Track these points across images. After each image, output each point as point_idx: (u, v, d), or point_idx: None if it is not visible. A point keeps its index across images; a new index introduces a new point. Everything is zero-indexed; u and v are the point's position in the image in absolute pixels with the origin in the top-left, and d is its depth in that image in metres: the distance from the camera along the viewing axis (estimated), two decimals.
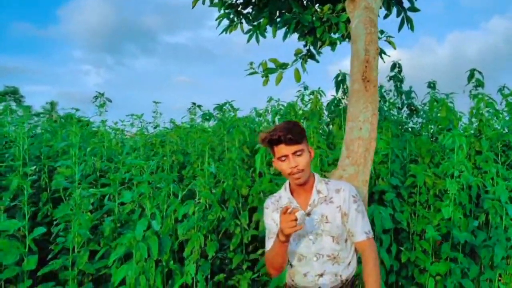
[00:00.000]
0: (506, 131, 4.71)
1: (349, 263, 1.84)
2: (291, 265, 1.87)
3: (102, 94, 4.33)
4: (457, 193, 3.66)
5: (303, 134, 1.77)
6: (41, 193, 3.66)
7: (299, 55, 3.38)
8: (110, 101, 4.33)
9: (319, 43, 3.23)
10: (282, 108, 5.75)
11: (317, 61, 3.44)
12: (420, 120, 5.63)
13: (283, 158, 1.75)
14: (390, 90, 5.30)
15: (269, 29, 3.90)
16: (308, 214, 1.80)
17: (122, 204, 3.42)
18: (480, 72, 4.82)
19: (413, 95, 5.41)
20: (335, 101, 5.43)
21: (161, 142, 4.29)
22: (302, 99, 5.63)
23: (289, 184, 1.90)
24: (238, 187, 3.42)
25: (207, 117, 4.35)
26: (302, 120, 4.75)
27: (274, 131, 1.74)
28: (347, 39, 3.13)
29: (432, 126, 5.20)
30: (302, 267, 1.82)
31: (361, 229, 1.79)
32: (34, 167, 3.81)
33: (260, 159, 3.52)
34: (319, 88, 4.96)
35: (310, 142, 4.00)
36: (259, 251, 3.49)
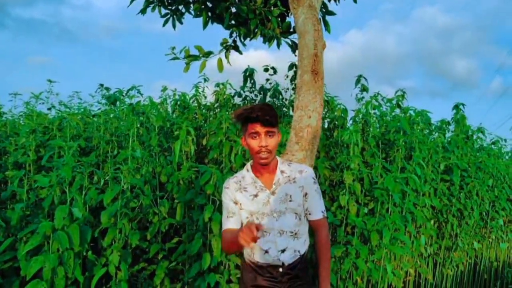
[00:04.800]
0: (379, 131, 5.44)
1: (304, 240, 1.98)
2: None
3: None
4: (352, 183, 4.11)
5: (277, 118, 1.86)
6: None
7: (224, 45, 3.42)
8: None
9: (250, 35, 3.32)
10: (178, 97, 5.70)
11: (240, 53, 3.53)
12: None
13: (254, 135, 1.81)
14: (288, 89, 5.65)
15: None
16: (273, 193, 1.89)
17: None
18: (365, 79, 5.44)
19: None
20: (236, 95, 5.61)
21: (59, 125, 3.90)
22: (198, 91, 5.64)
23: (251, 166, 1.96)
24: (157, 174, 3.32)
25: (113, 102, 4.08)
26: (215, 110, 4.78)
27: (252, 110, 1.80)
28: (276, 34, 3.28)
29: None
30: (264, 243, 1.90)
31: (318, 208, 1.95)
32: None
33: (179, 147, 3.48)
34: (227, 80, 5.04)
35: (222, 132, 4.07)
36: (175, 240, 3.44)
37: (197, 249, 3.12)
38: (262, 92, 5.51)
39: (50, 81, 4.46)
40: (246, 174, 1.96)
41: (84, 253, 2.71)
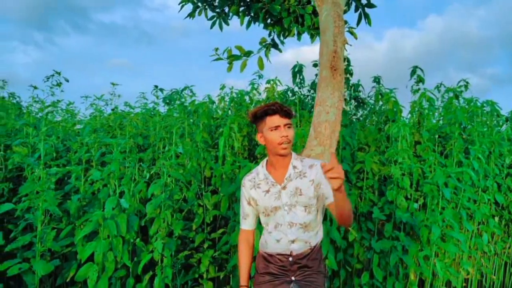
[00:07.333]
0: (441, 123, 5.22)
1: (317, 232, 2.05)
2: (268, 232, 2.04)
3: (59, 73, 4.21)
4: (400, 178, 4.02)
5: (293, 114, 1.97)
6: None
7: (264, 44, 3.53)
8: (67, 80, 4.23)
9: (285, 33, 3.40)
10: (236, 95, 5.89)
11: (280, 51, 3.61)
12: (365, 112, 6.04)
13: (274, 128, 1.91)
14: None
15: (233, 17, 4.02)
16: (284, 188, 1.98)
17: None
18: (421, 69, 5.25)
19: (360, 88, 5.78)
20: (289, 91, 5.69)
21: (120, 124, 4.27)
22: (254, 88, 5.78)
23: (266, 162, 2.07)
24: (202, 168, 3.53)
25: (168, 101, 4.38)
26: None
27: (270, 104, 1.92)
28: (312, 30, 3.33)
29: (375, 118, 5.60)
30: (277, 233, 2.00)
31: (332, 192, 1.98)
32: None
33: (223, 143, 3.65)
34: (276, 77, 5.14)
35: None
36: (220, 231, 3.63)
37: (237, 240, 3.29)
38: (314, 88, 5.54)
39: (113, 84, 4.90)
40: (260, 170, 2.06)
41: (133, 240, 2.99)
